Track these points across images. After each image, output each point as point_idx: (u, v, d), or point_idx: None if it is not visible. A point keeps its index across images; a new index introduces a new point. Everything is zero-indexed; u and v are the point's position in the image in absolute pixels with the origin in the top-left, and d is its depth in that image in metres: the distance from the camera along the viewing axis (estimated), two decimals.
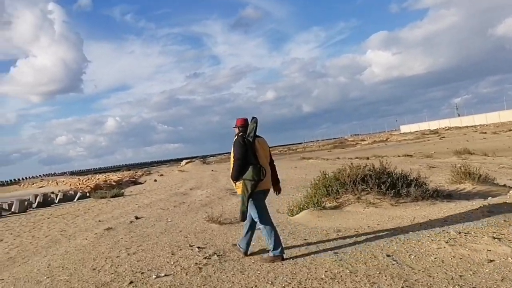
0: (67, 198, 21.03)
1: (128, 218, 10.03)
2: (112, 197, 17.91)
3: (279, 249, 4.56)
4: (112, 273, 5.13)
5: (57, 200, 20.37)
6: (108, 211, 12.77)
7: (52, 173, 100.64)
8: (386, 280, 3.56)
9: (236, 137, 4.69)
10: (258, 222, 4.68)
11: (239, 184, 4.57)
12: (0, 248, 8.60)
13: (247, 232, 4.96)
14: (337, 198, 7.59)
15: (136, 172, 53.58)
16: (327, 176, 7.93)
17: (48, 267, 6.05)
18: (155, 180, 30.02)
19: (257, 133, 4.68)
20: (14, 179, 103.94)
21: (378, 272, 3.77)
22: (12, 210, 17.14)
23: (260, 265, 4.52)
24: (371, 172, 7.63)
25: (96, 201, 17.32)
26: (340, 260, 4.31)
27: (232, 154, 4.69)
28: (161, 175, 37.00)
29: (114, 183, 30.99)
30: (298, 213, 7.23)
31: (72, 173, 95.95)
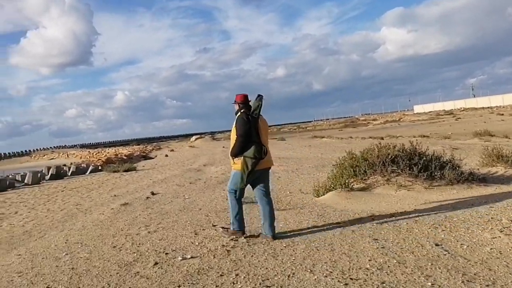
0: (79, 171, 20.98)
1: (144, 194, 9.81)
2: (125, 171, 17.76)
3: (238, 225, 4.80)
4: (134, 252, 4.87)
5: (70, 172, 20.33)
6: (122, 185, 12.59)
7: (63, 145, 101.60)
8: (441, 273, 3.22)
9: (239, 113, 4.59)
10: (228, 194, 4.85)
11: (237, 160, 4.53)
12: (15, 220, 8.44)
13: (263, 215, 4.81)
14: (364, 179, 7.23)
15: (145, 146, 53.62)
16: (354, 156, 7.54)
17: (66, 242, 5.84)
18: (166, 156, 29.86)
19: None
20: (25, 151, 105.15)
21: (430, 263, 3.43)
22: (25, 182, 17.10)
23: (294, 250, 4.21)
24: (401, 153, 7.24)
25: (109, 175, 17.19)
26: (383, 248, 3.97)
27: (233, 131, 4.61)
28: (172, 150, 36.88)
29: (125, 157, 30.98)
30: (324, 194, 6.89)
31: (82, 146, 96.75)
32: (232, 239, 4.81)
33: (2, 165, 79.00)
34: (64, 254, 5.22)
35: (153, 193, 9.64)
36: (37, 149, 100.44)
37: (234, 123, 4.60)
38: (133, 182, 13.30)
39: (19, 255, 5.52)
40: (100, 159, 26.95)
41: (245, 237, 4.83)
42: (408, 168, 6.90)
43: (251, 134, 4.42)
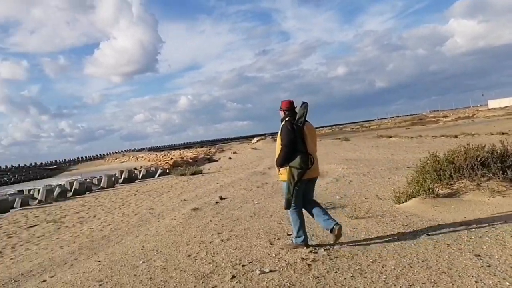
0: (149, 174, 21.79)
1: (213, 198, 9.80)
2: (192, 174, 18.11)
3: (302, 238, 4.58)
4: (210, 263, 4.73)
5: (141, 176, 21.18)
6: (191, 189, 12.77)
7: (132, 148, 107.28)
8: None
9: (283, 122, 4.47)
10: (288, 209, 4.59)
11: (283, 170, 4.40)
12: (94, 224, 8.80)
13: (317, 216, 4.67)
14: (450, 185, 6.60)
15: (209, 149, 54.82)
16: (437, 158, 6.90)
17: (142, 249, 5.88)
18: (230, 158, 30.20)
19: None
20: (100, 154, 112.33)
21: None
22: (101, 185, 18.05)
23: (383, 266, 3.82)
24: (491, 154, 6.50)
25: (177, 178, 17.62)
26: (489, 266, 3.46)
27: (278, 139, 4.50)
28: (234, 152, 37.27)
29: (191, 160, 31.74)
30: (406, 201, 6.36)
31: (150, 149, 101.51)
32: (311, 251, 4.52)
33: (81, 168, 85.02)
34: (141, 262, 5.24)
35: (221, 198, 9.60)
36: (110, 153, 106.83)
37: (279, 131, 4.48)
38: (200, 185, 13.45)
39: (99, 261, 5.64)
40: (167, 163, 27.86)
41: (324, 249, 4.52)
42: (501, 172, 6.19)
43: (297, 143, 4.29)
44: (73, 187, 16.69)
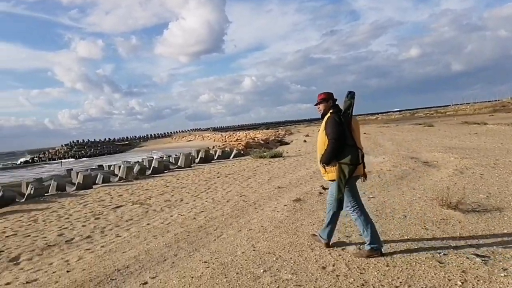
0: (224, 155, 21.12)
1: (313, 187, 8.56)
2: (272, 157, 17.07)
3: (377, 243, 4.16)
4: (363, 285, 3.50)
5: (216, 156, 20.56)
6: (279, 174, 11.64)
7: (198, 128, 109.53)
8: None
9: (328, 114, 4.11)
10: (351, 212, 4.22)
11: (330, 168, 4.08)
12: (184, 210, 7.94)
13: (330, 223, 4.47)
14: None
15: (277, 131, 53.78)
16: None
17: (254, 250, 4.80)
18: (305, 141, 28.84)
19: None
20: (167, 133, 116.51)
21: None
22: (178, 164, 17.58)
23: None
24: None
25: (256, 161, 16.65)
26: None
27: (321, 134, 4.15)
28: (307, 135, 35.84)
29: (262, 142, 30.88)
30: None
31: (214, 129, 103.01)
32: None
33: (150, 145, 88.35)
34: (261, 270, 4.14)
35: (324, 188, 8.34)
36: (176, 131, 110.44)
37: (323, 125, 4.13)
38: (288, 171, 12.27)
39: (205, 262, 4.63)
40: (240, 144, 27.17)
41: None
42: None
43: (346, 136, 3.96)
44: (152, 165, 16.29)
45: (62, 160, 69.96)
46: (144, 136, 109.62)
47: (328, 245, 4.56)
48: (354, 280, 3.68)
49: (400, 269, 3.86)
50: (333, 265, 4.07)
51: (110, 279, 4.51)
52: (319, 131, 4.25)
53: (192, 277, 4.20)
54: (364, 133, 28.66)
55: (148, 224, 7.13)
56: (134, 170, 14.90)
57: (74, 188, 13.02)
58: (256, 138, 34.21)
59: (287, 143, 32.37)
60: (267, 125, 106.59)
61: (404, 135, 23.41)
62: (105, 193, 11.69)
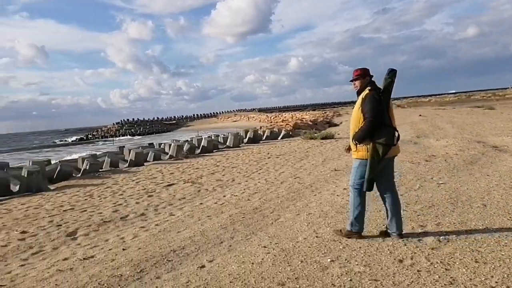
0: (273, 135, 20.79)
1: None
2: (323, 139, 16.52)
3: (358, 226, 4.19)
4: (444, 281, 3.04)
5: (264, 137, 20.27)
6: (334, 156, 11.14)
7: (243, 108, 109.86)
8: None
9: (367, 92, 3.90)
10: (352, 189, 4.18)
11: (361, 147, 3.95)
12: (238, 191, 7.70)
13: (357, 207, 4.19)
14: None
15: (324, 112, 52.64)
16: None
17: (317, 237, 4.44)
18: None
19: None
20: (212, 113, 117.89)
21: None
22: (227, 144, 17.47)
23: None
24: None
25: (307, 142, 16.19)
26: None
27: (356, 112, 3.99)
28: None
29: (310, 123, 30.21)
30: None
31: (260, 110, 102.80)
32: None
33: (196, 125, 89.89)
34: (328, 259, 3.77)
35: None
36: (221, 112, 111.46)
37: (359, 102, 3.96)
38: (343, 153, 11.72)
39: (265, 247, 4.32)
40: (288, 124, 26.70)
41: None
42: None
43: (384, 116, 3.81)
44: (201, 144, 16.27)
45: (114, 138, 72.77)
46: (191, 116, 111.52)
47: (360, 235, 4.25)
48: (439, 277, 3.23)
49: (493, 266, 3.35)
50: (411, 258, 3.63)
51: (167, 260, 4.32)
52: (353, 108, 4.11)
53: (253, 263, 3.90)
54: (420, 115, 27.23)
55: (201, 203, 6.95)
56: (184, 148, 14.92)
57: (127, 165, 13.22)
58: (304, 119, 33.53)
59: (336, 125, 31.49)
60: (314, 107, 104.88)
61: (463, 118, 21.93)
62: (156, 170, 11.74)
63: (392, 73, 3.86)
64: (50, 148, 49.06)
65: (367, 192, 4.08)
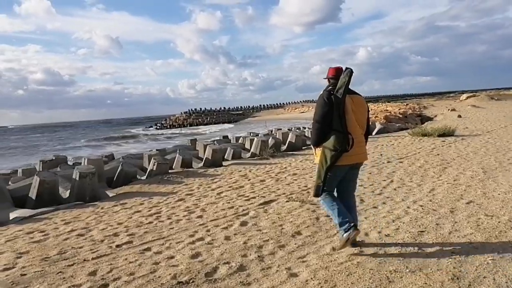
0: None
1: None
2: (440, 135, 13.00)
3: (347, 224, 3.72)
4: None
5: None
6: (491, 164, 7.76)
7: (309, 99, 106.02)
8: None
9: (321, 92, 3.76)
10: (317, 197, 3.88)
11: (319, 151, 3.76)
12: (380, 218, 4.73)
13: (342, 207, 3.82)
14: None
15: (406, 105, 47.59)
16: None
17: None
18: (459, 116, 23.54)
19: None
20: (279, 103, 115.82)
21: None
22: None
23: None
24: None
25: (419, 140, 12.77)
26: None
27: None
28: (453, 109, 30.00)
29: (400, 116, 26.36)
30: None
31: None
32: None
33: (263, 116, 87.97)
34: None
35: None
36: (287, 103, 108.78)
37: None
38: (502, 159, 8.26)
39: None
40: (377, 117, 23.13)
41: None
42: None
43: (331, 119, 3.57)
44: (288, 139, 13.39)
45: (182, 128, 72.68)
46: (257, 106, 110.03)
47: (356, 228, 3.75)
48: None
49: None
50: None
51: None
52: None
53: None
54: None
55: (332, 249, 4.06)
56: (269, 144, 12.12)
57: (201, 164, 10.75)
58: (389, 112, 29.57)
59: (430, 118, 27.26)
60: (387, 98, 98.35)
61: None
62: (240, 174, 9.06)
63: (346, 72, 3.63)
64: (117, 141, 48.82)
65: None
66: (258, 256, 4.09)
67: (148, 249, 4.52)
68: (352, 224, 3.70)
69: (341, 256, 3.88)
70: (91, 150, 35.52)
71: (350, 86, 3.70)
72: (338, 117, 3.55)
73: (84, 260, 4.26)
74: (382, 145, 12.51)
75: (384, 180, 7.21)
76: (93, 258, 4.28)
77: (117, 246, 4.69)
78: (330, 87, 3.72)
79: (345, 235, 3.72)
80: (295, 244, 4.37)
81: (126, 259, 4.22)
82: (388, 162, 9.12)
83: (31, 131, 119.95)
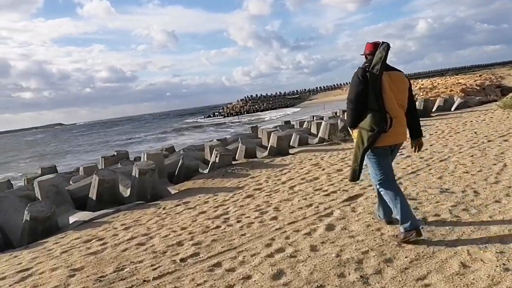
0: (446, 104, 15.70)
1: None
2: None
3: (409, 222, 3.41)
4: None
5: (436, 107, 15.33)
6: None
7: None
8: None
9: (357, 69, 3.46)
10: (376, 185, 3.65)
11: (355, 133, 3.52)
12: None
13: (380, 197, 3.79)
14: None
15: (480, 75, 43.54)
16: None
17: None
18: None
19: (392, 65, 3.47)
20: (336, 84, 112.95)
21: None
22: None
23: None
24: None
25: (511, 112, 11.00)
26: None
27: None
28: None
29: (478, 88, 23.84)
30: None
31: None
32: None
33: (320, 98, 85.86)
34: None
35: None
36: (344, 83, 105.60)
37: None
38: None
39: None
40: (452, 90, 20.97)
41: None
42: None
43: (366, 98, 3.33)
44: None
45: (239, 116, 72.78)
46: (313, 89, 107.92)
47: (389, 223, 3.91)
48: None
49: None
50: None
51: None
52: None
53: None
54: None
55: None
56: (339, 127, 10.97)
57: (266, 153, 9.90)
58: (462, 84, 26.93)
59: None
60: (455, 71, 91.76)
61: None
62: (311, 163, 8.07)
63: (383, 47, 3.36)
64: (177, 133, 49.60)
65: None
66: (361, 276, 3.12)
67: (218, 264, 3.70)
68: (414, 226, 3.41)
69: (479, 276, 2.81)
70: (152, 143, 36.22)
71: (388, 62, 3.40)
72: (374, 95, 3.32)
73: (144, 281, 3.53)
74: (471, 121, 10.88)
75: (494, 164, 5.88)
76: (154, 278, 3.54)
77: (182, 260, 3.92)
78: (366, 64, 3.47)
79: (403, 235, 3.47)
80: (406, 257, 3.33)
81: (193, 279, 3.43)
82: (489, 141, 7.66)
83: (97, 127, 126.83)
